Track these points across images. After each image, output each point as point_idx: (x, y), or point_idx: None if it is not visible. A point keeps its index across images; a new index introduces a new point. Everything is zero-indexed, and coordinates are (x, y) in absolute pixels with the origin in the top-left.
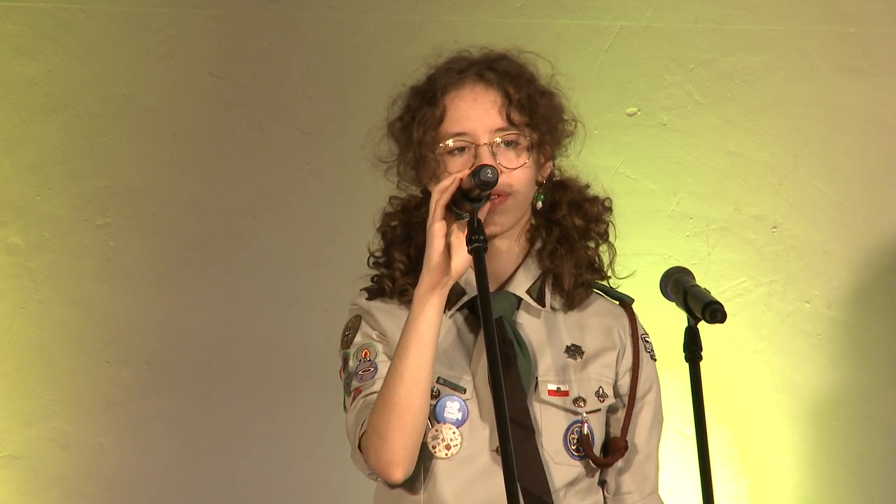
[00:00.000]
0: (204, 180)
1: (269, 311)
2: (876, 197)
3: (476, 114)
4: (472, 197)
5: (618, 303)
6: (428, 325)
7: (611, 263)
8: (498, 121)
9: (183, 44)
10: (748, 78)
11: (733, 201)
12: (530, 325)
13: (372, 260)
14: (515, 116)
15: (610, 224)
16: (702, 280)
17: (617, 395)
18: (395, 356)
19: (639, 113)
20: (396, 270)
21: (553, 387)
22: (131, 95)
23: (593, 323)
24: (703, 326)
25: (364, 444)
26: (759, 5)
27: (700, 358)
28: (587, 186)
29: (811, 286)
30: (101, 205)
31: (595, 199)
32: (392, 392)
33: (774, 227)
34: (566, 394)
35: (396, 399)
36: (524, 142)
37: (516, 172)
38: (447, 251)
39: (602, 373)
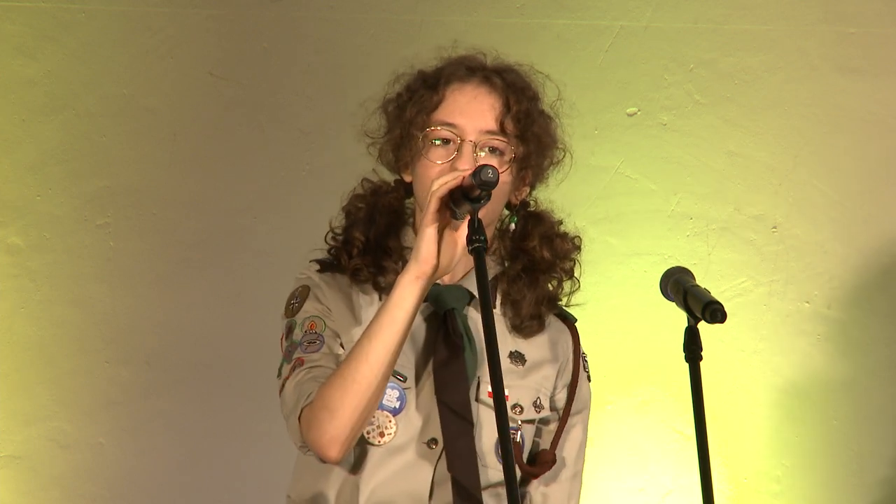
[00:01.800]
0: (204, 180)
1: (269, 311)
2: (876, 197)
3: (472, 111)
4: (473, 197)
5: (562, 321)
6: (404, 312)
7: (570, 293)
8: (491, 124)
9: (183, 44)
10: (748, 78)
11: (733, 201)
12: (479, 322)
13: (331, 235)
14: (509, 126)
15: (577, 262)
16: (702, 280)
17: (553, 408)
18: (364, 336)
19: (639, 113)
20: (354, 248)
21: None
22: (131, 95)
23: (539, 335)
24: (703, 326)
25: (307, 417)
26: (759, 5)
27: (700, 358)
28: (560, 222)
29: (811, 286)
30: (101, 205)
31: (566, 236)
32: (353, 370)
33: (774, 227)
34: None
35: (358, 377)
36: (509, 153)
37: None
38: (438, 245)
39: (541, 383)
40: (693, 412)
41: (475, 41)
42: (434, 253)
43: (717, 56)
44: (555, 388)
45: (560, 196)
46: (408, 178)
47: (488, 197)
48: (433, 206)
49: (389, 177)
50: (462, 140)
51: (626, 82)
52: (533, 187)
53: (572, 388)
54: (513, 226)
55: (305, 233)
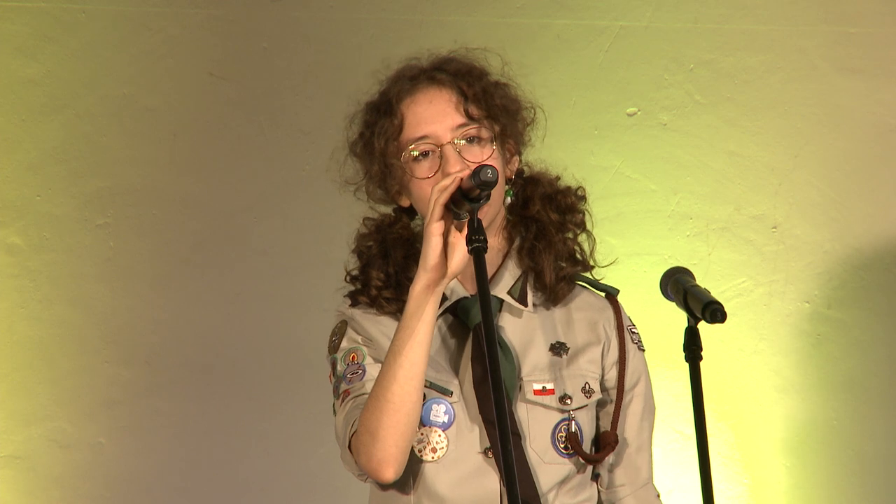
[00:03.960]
0: (204, 180)
1: (269, 311)
2: (876, 197)
3: (434, 115)
4: (472, 197)
5: (603, 294)
6: (422, 323)
7: (591, 252)
8: (457, 118)
9: (183, 44)
10: (748, 78)
11: (733, 201)
12: (513, 327)
13: (349, 277)
14: (473, 111)
15: (586, 213)
16: (702, 280)
17: (604, 389)
18: (389, 354)
19: (639, 113)
20: (373, 288)
21: (538, 386)
22: (131, 95)
23: (578, 318)
24: (703, 326)
25: (355, 444)
26: (759, 5)
27: (700, 358)
28: (558, 178)
29: (811, 286)
30: (101, 205)
31: (568, 190)
32: (385, 390)
33: (774, 227)
34: (552, 392)
35: (389, 397)
36: (486, 135)
37: None
38: (444, 250)
39: (588, 368)
40: (693, 412)
41: (475, 41)
42: (440, 259)
43: (717, 56)
44: (603, 370)
45: None
46: (405, 203)
47: (488, 197)
48: (437, 213)
49: (386, 211)
50: (440, 146)
51: (626, 82)
52: (520, 153)
53: (621, 364)
54: (508, 199)
55: (305, 233)
